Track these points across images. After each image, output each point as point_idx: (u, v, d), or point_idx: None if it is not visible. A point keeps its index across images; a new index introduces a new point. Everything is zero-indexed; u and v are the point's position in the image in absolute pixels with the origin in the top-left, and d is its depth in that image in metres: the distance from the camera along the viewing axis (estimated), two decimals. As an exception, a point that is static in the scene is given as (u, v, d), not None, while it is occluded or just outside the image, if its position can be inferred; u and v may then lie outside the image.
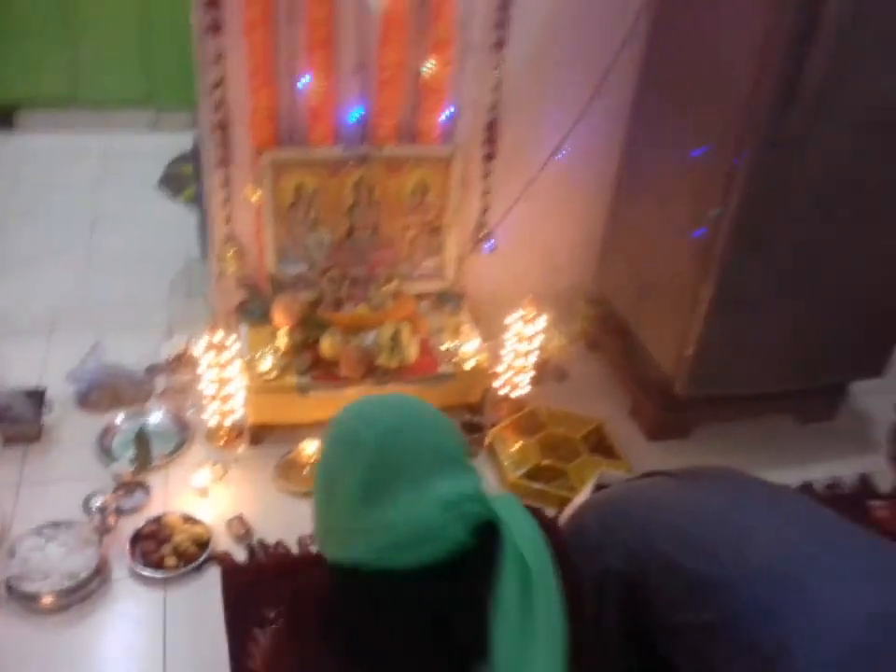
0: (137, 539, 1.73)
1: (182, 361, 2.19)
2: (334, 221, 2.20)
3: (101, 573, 1.65)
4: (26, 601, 1.60)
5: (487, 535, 0.97)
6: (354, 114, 2.12)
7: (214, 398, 1.96)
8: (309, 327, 2.04)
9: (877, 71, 1.68)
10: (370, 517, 0.97)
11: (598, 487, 1.49)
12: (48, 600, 1.60)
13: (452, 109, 2.18)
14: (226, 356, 1.89)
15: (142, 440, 1.94)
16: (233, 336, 1.92)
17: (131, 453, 1.94)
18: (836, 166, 1.78)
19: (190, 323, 2.34)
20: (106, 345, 2.23)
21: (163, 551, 1.71)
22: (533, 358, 2.15)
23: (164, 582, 1.68)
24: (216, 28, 1.93)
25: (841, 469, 2.15)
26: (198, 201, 2.62)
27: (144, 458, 1.92)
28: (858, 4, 1.57)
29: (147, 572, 1.68)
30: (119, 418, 2.05)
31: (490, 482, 1.98)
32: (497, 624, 0.94)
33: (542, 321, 2.11)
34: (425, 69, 2.09)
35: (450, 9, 2.04)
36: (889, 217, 1.90)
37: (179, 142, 3.52)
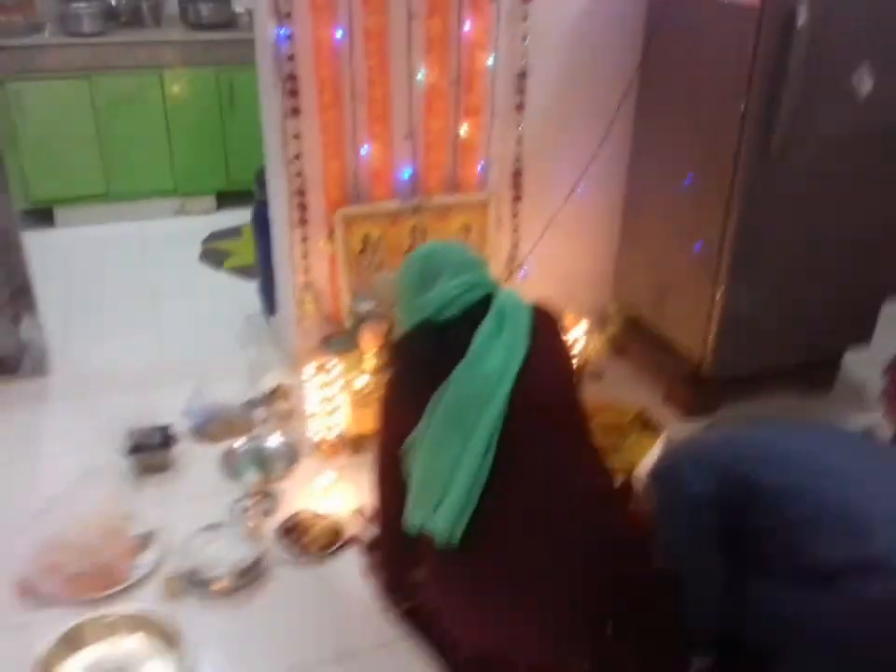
0: (283, 532, 2.05)
1: (277, 394, 2.53)
2: (396, 262, 2.59)
3: (261, 561, 1.96)
4: (204, 588, 1.90)
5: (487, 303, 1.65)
6: (406, 172, 2.55)
7: (319, 415, 2.30)
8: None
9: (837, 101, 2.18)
10: (422, 296, 1.68)
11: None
12: (222, 585, 1.90)
13: (484, 162, 2.62)
14: (329, 377, 2.25)
15: (263, 458, 2.28)
16: (333, 361, 2.29)
17: (253, 470, 2.27)
18: (815, 171, 2.26)
19: (265, 365, 2.72)
20: (203, 390, 2.57)
21: (306, 540, 2.03)
22: (576, 361, 2.54)
23: (312, 565, 1.99)
24: (295, 112, 2.35)
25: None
26: (261, 263, 2.99)
27: (267, 473, 2.25)
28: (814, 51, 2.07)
29: (299, 558, 1.99)
30: (238, 443, 2.37)
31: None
32: (477, 335, 1.59)
33: (582, 326, 2.51)
34: (462, 132, 2.55)
35: (480, 82, 2.50)
36: (864, 208, 2.37)
37: (202, 223, 3.98)
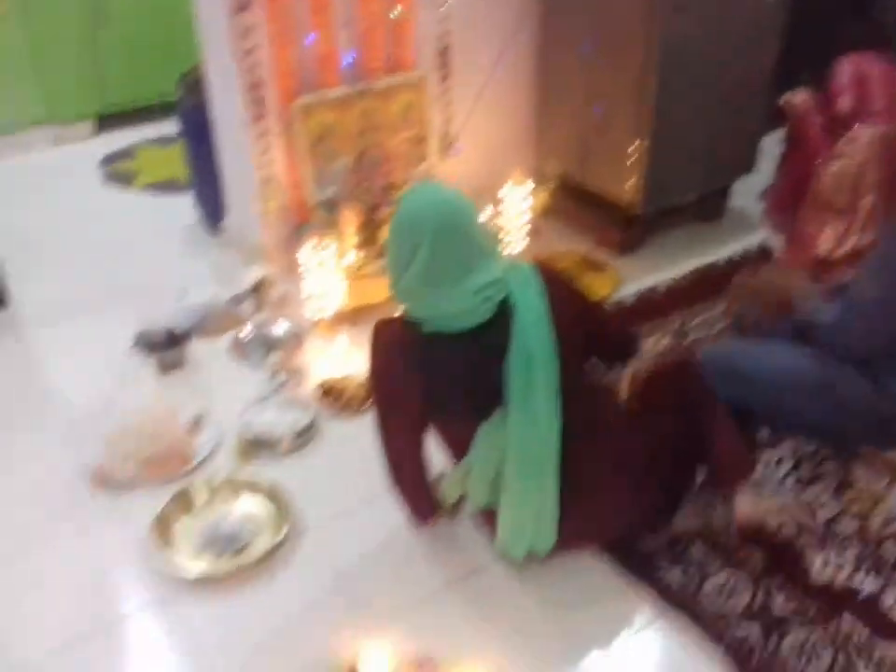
0: (321, 397, 2.25)
1: (263, 286, 2.66)
2: (349, 148, 2.75)
3: (314, 421, 2.17)
4: (272, 448, 2.08)
5: (506, 310, 1.54)
6: (349, 58, 2.68)
7: (316, 296, 2.48)
8: (369, 226, 2.61)
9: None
10: (427, 295, 1.54)
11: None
12: (287, 445, 2.09)
13: (416, 42, 2.80)
14: (323, 257, 2.42)
15: (271, 342, 2.44)
16: (325, 242, 2.45)
17: (268, 353, 2.43)
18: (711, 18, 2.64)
19: (228, 268, 2.83)
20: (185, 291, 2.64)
21: (344, 399, 2.24)
22: (528, 217, 2.85)
23: (355, 418, 2.22)
24: (245, 6, 2.41)
25: (740, 246, 3.06)
26: (197, 172, 3.02)
27: (280, 352, 2.43)
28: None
29: (344, 415, 2.21)
30: (242, 334, 2.51)
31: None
32: (510, 380, 1.54)
33: (527, 187, 2.81)
34: (394, 15, 2.70)
35: (408, -33, 2.66)
36: (748, 53, 2.80)
37: (86, 150, 3.91)
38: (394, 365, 1.63)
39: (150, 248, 3.09)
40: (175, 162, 3.40)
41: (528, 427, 1.55)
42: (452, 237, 1.53)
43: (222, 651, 1.61)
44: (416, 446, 1.70)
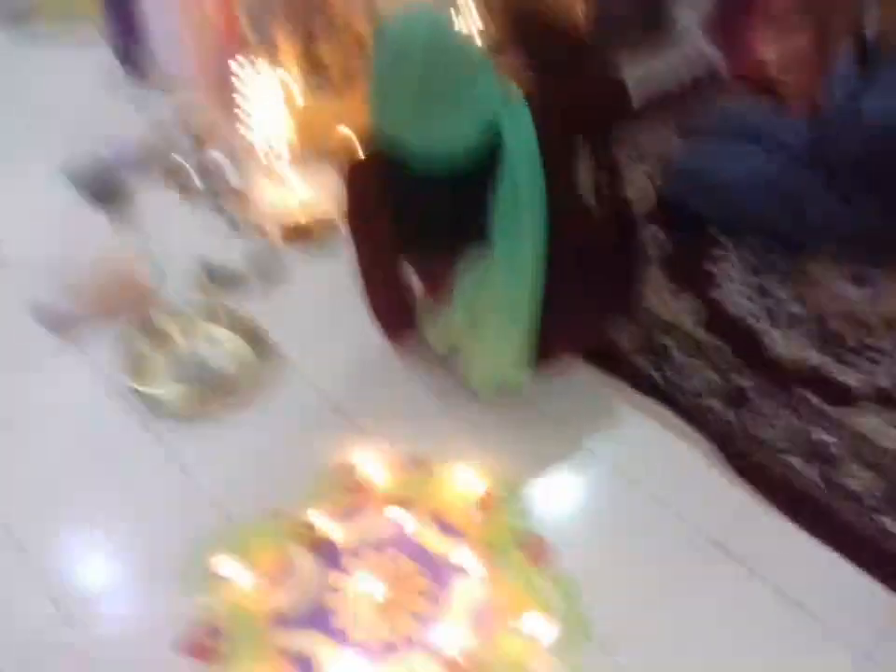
0: (281, 229, 2.19)
1: (197, 120, 2.51)
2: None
3: (273, 255, 2.11)
4: (230, 281, 2.03)
5: (494, 148, 1.44)
6: None
7: (256, 127, 2.36)
8: (308, 56, 2.47)
9: None
10: (417, 127, 1.43)
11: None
12: (246, 277, 2.04)
13: None
14: (261, 87, 2.29)
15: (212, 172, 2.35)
16: (264, 69, 2.30)
17: (206, 187, 2.33)
18: None
19: (156, 104, 2.65)
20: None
21: (306, 223, 2.18)
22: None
23: (316, 248, 2.16)
24: None
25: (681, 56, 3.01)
26: (113, 16, 2.77)
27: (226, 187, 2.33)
28: None
29: (304, 244, 2.17)
30: (183, 169, 2.38)
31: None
32: (496, 223, 1.49)
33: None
34: None
35: None
36: None
37: None
38: (368, 204, 1.57)
39: (64, 94, 2.85)
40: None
41: (513, 274, 1.52)
42: (444, 54, 1.41)
43: (212, 476, 1.61)
44: (392, 272, 1.68)
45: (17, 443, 1.68)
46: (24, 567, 1.46)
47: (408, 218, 1.54)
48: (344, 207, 1.64)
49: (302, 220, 2.22)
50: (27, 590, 1.43)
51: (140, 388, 1.74)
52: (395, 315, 1.78)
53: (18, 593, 1.43)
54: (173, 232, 2.16)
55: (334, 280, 2.05)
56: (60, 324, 1.90)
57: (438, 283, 1.66)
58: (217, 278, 2.03)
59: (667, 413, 1.72)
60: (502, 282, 1.54)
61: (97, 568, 1.47)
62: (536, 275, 1.53)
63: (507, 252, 1.52)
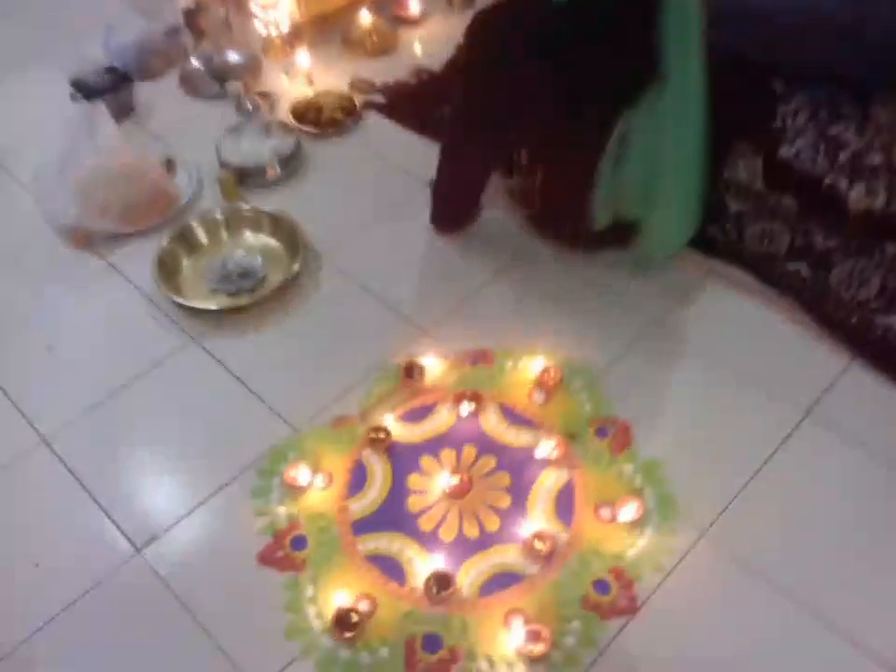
0: (299, 119, 2.05)
1: (199, 10, 2.32)
2: None
3: (300, 144, 1.98)
4: (257, 179, 1.92)
5: None
6: None
7: (262, 9, 2.18)
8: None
9: None
10: None
11: None
12: (272, 172, 1.93)
13: None
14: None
15: (226, 71, 2.18)
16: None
17: (216, 84, 2.17)
18: None
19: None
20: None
21: (325, 118, 2.04)
22: None
23: (339, 137, 2.04)
24: None
25: None
26: None
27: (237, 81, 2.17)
28: None
29: (330, 134, 2.03)
30: (190, 66, 2.23)
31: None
32: (667, 49, 1.33)
33: None
34: None
35: None
36: None
37: None
38: (511, 48, 1.38)
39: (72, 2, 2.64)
40: None
41: (687, 106, 1.39)
42: None
43: (268, 386, 1.53)
44: (500, 138, 1.53)
45: (62, 369, 1.60)
46: (87, 503, 1.38)
47: (559, 65, 1.34)
48: (465, 61, 1.50)
49: (325, 106, 2.07)
50: (95, 527, 1.35)
51: (180, 301, 1.65)
52: (470, 199, 1.65)
53: (86, 531, 1.35)
54: (194, 137, 2.05)
55: (365, 170, 1.95)
56: (90, 242, 1.81)
57: (587, 151, 1.46)
58: (246, 180, 1.91)
59: (750, 282, 1.62)
60: (677, 116, 1.40)
61: (165, 493, 1.40)
62: (703, 106, 1.41)
63: (680, 83, 1.36)
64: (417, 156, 1.93)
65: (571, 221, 1.58)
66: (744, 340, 1.56)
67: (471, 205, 1.70)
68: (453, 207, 1.67)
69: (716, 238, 1.65)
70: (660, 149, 1.44)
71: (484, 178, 1.64)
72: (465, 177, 1.63)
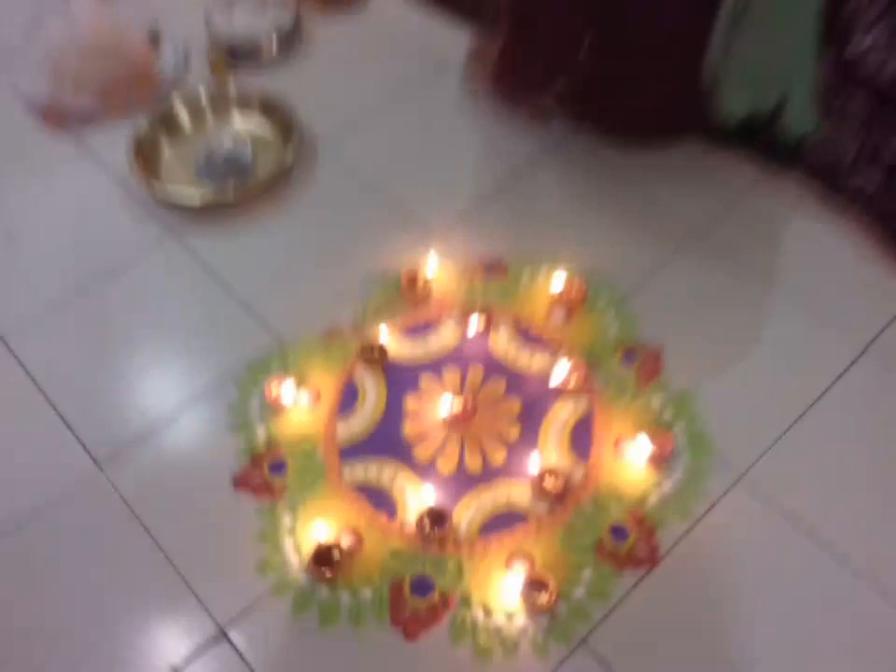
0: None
1: None
2: None
3: (300, 21, 1.75)
4: (250, 57, 1.70)
5: None
6: None
7: None
8: None
9: None
10: None
11: None
12: (268, 51, 1.71)
13: None
14: None
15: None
16: None
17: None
18: None
19: None
20: None
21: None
22: None
23: (344, 13, 1.80)
24: None
25: None
26: None
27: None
28: None
29: (329, 9, 1.79)
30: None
31: None
32: None
33: None
34: None
35: None
36: None
37: None
38: None
39: None
40: None
41: None
42: None
43: (253, 289, 1.36)
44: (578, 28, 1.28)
45: (23, 259, 1.42)
46: (44, 408, 1.23)
47: None
48: None
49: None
50: (52, 437, 1.20)
51: (159, 190, 1.46)
52: (561, 53, 1.34)
53: (42, 441, 1.19)
54: (179, 6, 1.80)
55: (373, 50, 1.73)
56: (62, 121, 1.61)
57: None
58: (238, 55, 1.69)
59: (811, 192, 1.41)
60: None
61: (133, 404, 1.24)
62: None
63: None
64: (433, 34, 1.70)
65: (665, 95, 1.35)
66: (799, 260, 1.36)
67: (563, 61, 1.35)
68: (531, 59, 1.32)
69: (778, 139, 1.42)
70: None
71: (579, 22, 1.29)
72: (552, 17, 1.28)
